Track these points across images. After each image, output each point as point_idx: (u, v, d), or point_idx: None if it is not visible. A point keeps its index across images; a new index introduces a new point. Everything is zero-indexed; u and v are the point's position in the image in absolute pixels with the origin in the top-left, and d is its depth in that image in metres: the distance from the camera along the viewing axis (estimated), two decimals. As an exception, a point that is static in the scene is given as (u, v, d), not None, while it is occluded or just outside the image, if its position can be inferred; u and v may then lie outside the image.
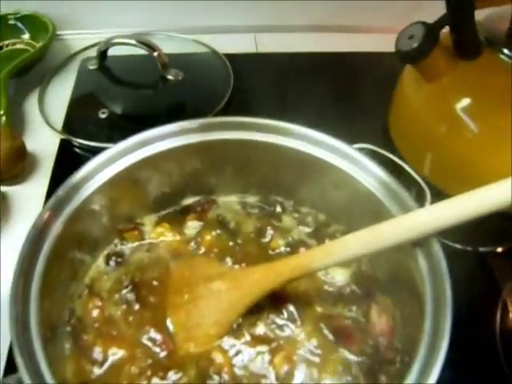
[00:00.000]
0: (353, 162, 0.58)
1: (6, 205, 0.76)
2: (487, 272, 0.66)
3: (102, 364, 0.53)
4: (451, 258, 0.49)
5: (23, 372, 0.42)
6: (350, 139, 0.59)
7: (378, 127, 0.85)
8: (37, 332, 0.46)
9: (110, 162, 0.57)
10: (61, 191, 0.54)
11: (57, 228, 0.52)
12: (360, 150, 0.59)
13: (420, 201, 0.55)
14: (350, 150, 0.59)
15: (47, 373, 0.43)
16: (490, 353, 0.59)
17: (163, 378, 0.52)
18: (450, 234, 0.48)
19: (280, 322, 0.56)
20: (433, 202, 0.55)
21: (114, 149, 0.58)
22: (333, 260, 0.51)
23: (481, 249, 0.69)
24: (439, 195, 0.53)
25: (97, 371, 0.53)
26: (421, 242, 0.50)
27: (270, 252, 0.62)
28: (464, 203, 0.46)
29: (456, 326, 0.45)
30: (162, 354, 0.54)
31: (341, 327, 0.55)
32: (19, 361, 0.43)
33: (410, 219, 0.49)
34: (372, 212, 0.57)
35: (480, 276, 0.67)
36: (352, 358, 0.53)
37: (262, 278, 0.54)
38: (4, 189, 0.77)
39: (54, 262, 0.51)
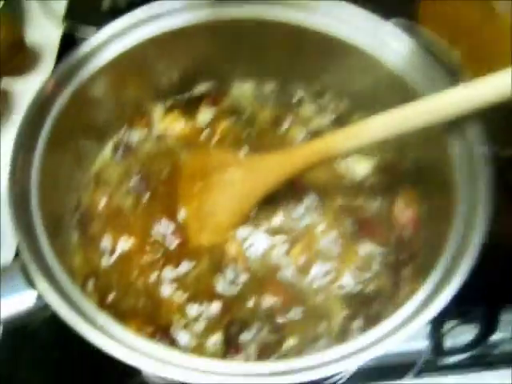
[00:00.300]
0: (382, 41, 0.52)
1: (6, 101, 0.71)
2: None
3: (111, 254, 0.51)
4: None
5: (24, 252, 0.39)
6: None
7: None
8: (39, 217, 0.43)
9: (114, 38, 0.52)
10: (61, 68, 0.49)
11: (58, 107, 0.47)
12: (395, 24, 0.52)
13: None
14: (381, 25, 0.52)
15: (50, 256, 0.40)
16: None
17: (175, 267, 0.50)
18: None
19: (299, 212, 0.52)
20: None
21: (119, 22, 0.52)
22: (354, 144, 0.46)
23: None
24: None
25: (105, 262, 0.51)
26: (454, 128, 0.45)
27: (288, 142, 0.57)
28: (499, 81, 0.41)
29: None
30: (174, 245, 0.51)
31: (363, 218, 0.52)
32: (20, 242, 0.40)
33: (440, 99, 0.44)
34: (400, 97, 0.52)
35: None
36: (374, 249, 0.50)
37: (277, 165, 0.49)
38: (4, 83, 0.72)
39: (56, 146, 0.47)
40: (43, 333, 0.56)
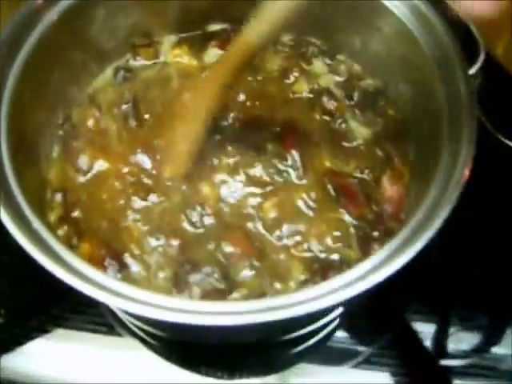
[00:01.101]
0: (410, 9, 0.48)
1: None
2: None
3: (85, 173, 0.51)
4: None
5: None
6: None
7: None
8: (5, 124, 0.42)
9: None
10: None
11: (52, 15, 0.47)
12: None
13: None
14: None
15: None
16: None
17: (143, 198, 0.49)
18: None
19: (281, 167, 0.50)
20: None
21: None
22: (267, 24, 0.44)
23: None
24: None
25: (80, 179, 0.50)
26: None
27: (290, 95, 0.54)
28: None
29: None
30: (149, 176, 0.50)
31: (346, 186, 0.49)
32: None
33: None
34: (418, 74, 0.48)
35: None
36: (349, 220, 0.47)
37: (215, 74, 0.48)
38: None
39: (46, 54, 0.47)
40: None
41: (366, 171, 0.50)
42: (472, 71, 0.45)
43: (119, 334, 0.52)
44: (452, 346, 0.53)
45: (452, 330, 0.54)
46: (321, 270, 0.45)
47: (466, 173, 0.39)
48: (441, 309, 0.55)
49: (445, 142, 0.42)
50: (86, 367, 0.51)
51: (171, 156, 0.49)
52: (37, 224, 0.39)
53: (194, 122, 0.48)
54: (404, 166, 0.49)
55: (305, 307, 0.34)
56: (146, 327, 0.51)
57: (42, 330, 0.53)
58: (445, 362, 0.53)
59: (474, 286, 0.55)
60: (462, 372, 0.51)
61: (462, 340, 0.54)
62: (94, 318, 0.53)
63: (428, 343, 0.53)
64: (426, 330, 0.54)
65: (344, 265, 0.45)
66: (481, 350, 0.53)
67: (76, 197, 0.49)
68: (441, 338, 0.54)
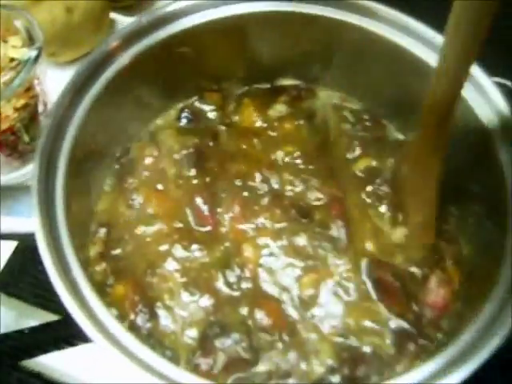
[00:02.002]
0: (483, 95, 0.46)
1: (113, 32, 0.73)
2: None
3: (135, 211, 0.51)
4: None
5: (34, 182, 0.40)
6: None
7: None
8: (68, 152, 0.43)
9: (211, 5, 0.51)
10: (145, 18, 0.49)
11: (128, 55, 0.48)
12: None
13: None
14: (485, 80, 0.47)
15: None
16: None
17: (187, 248, 0.48)
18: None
19: (324, 242, 0.48)
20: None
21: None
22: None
23: None
24: None
25: (127, 216, 0.50)
26: None
27: (348, 170, 0.53)
28: None
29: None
30: (197, 227, 0.50)
31: (387, 282, 0.47)
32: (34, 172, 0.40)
33: None
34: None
35: None
36: (386, 315, 0.45)
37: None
38: (116, 16, 0.74)
39: (116, 90, 0.48)
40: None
41: (413, 267, 0.48)
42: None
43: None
44: None
45: None
46: (350, 359, 0.43)
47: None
48: None
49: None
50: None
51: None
52: (74, 264, 0.39)
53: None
54: (456, 269, 0.47)
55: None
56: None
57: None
58: None
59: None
60: None
61: None
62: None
63: None
64: None
65: (376, 359, 0.43)
66: None
67: (120, 234, 0.50)
68: None
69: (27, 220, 0.40)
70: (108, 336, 0.35)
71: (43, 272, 0.37)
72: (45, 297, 0.55)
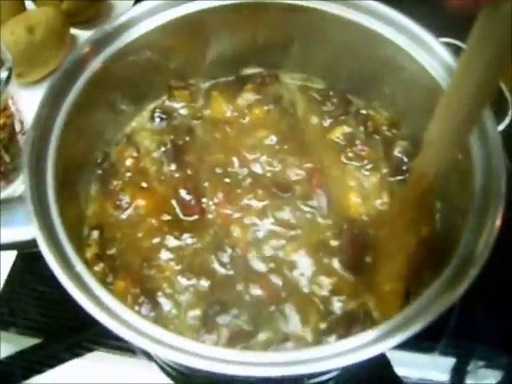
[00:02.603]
0: (438, 60, 0.50)
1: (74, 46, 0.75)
2: None
3: (123, 211, 0.53)
4: None
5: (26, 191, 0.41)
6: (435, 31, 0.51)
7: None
8: (53, 162, 0.45)
9: (170, 5, 0.53)
10: (108, 25, 0.51)
11: (97, 62, 0.50)
12: (446, 44, 0.50)
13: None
14: (438, 45, 0.50)
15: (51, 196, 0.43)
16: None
17: (178, 237, 0.51)
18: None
19: (306, 212, 0.51)
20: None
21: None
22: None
23: None
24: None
25: (117, 217, 0.53)
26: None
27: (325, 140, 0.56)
28: None
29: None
30: (185, 217, 0.52)
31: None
32: (26, 179, 0.42)
33: None
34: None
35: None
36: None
37: (401, 212, 0.47)
38: (76, 31, 0.76)
39: (90, 97, 0.50)
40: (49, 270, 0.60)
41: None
42: (501, 128, 0.47)
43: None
44: (470, 382, 0.54)
45: (471, 366, 0.55)
46: (342, 321, 0.46)
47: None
48: (462, 344, 0.56)
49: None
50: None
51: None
52: (76, 261, 0.41)
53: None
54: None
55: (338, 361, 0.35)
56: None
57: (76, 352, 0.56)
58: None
59: (497, 324, 0.56)
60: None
61: (480, 377, 0.55)
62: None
63: (446, 377, 0.55)
64: (444, 364, 0.55)
65: (367, 318, 0.46)
66: None
67: (112, 234, 0.52)
68: (460, 373, 0.55)
69: (24, 228, 0.42)
70: (121, 322, 0.37)
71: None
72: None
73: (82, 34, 0.76)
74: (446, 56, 0.50)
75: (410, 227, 0.44)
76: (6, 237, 0.42)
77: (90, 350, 0.56)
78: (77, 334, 0.57)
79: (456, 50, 0.50)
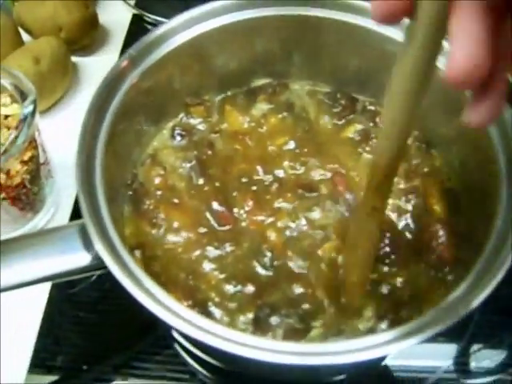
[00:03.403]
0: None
1: (76, 74, 0.76)
2: None
3: (159, 229, 0.54)
4: None
5: (86, 216, 0.43)
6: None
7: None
8: (100, 185, 0.47)
9: (183, 26, 0.56)
10: (132, 50, 0.53)
11: (127, 85, 0.52)
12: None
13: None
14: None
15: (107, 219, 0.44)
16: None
17: (218, 247, 0.53)
18: None
19: (336, 211, 0.54)
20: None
21: (192, 11, 0.56)
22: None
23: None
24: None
25: (154, 235, 0.54)
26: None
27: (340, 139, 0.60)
28: None
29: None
30: (220, 227, 0.54)
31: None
32: (83, 205, 0.44)
33: None
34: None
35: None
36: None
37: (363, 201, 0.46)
38: (75, 59, 0.77)
39: (121, 121, 0.51)
40: (84, 296, 0.61)
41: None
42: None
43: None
44: (474, 364, 0.57)
45: (474, 348, 0.57)
46: (391, 305, 0.49)
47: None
48: (462, 328, 0.58)
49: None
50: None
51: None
52: (143, 277, 0.42)
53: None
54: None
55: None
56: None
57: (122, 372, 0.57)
58: (469, 382, 0.56)
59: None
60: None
61: (485, 357, 0.57)
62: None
63: (450, 362, 0.57)
64: (447, 350, 0.57)
65: (414, 301, 0.49)
66: (506, 365, 0.56)
67: (153, 252, 0.53)
68: (463, 356, 0.57)
69: (82, 254, 0.43)
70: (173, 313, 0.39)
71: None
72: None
73: (81, 61, 0.77)
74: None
75: (371, 216, 0.44)
76: (65, 265, 0.44)
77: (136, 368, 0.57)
78: (121, 354, 0.59)
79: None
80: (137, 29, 0.81)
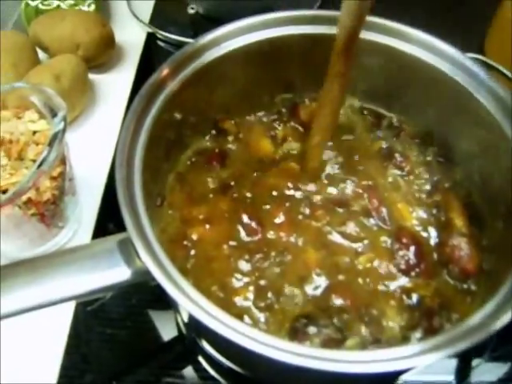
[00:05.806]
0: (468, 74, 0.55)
1: (93, 92, 0.77)
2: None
3: (193, 246, 0.54)
4: None
5: (131, 230, 0.43)
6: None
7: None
8: (141, 198, 0.47)
9: (212, 44, 0.56)
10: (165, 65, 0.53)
11: (161, 99, 0.53)
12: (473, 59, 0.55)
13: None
14: (466, 60, 0.55)
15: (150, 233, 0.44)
16: None
17: (248, 261, 0.53)
18: None
19: (370, 226, 0.55)
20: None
21: (217, 31, 0.57)
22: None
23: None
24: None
25: (187, 252, 0.54)
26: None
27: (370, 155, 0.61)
28: None
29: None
30: (250, 239, 0.55)
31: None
32: (127, 220, 0.44)
33: None
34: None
35: None
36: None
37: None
38: (92, 76, 0.77)
39: (154, 135, 0.51)
40: (112, 311, 0.61)
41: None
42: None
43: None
44: (476, 378, 0.57)
45: (475, 362, 0.58)
46: (424, 316, 0.50)
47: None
48: None
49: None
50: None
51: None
52: (189, 289, 0.42)
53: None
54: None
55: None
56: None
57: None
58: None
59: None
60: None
61: (486, 372, 0.57)
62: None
63: (451, 378, 0.57)
64: (448, 364, 0.57)
65: (443, 310, 0.50)
66: (507, 380, 0.56)
67: (183, 265, 0.53)
68: (464, 371, 0.57)
69: (123, 268, 0.43)
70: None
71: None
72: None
73: (97, 78, 0.78)
74: (473, 68, 0.55)
75: (335, 81, 0.50)
76: (107, 280, 0.43)
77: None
78: (147, 369, 0.58)
79: (481, 64, 0.55)
80: (151, 47, 0.82)
